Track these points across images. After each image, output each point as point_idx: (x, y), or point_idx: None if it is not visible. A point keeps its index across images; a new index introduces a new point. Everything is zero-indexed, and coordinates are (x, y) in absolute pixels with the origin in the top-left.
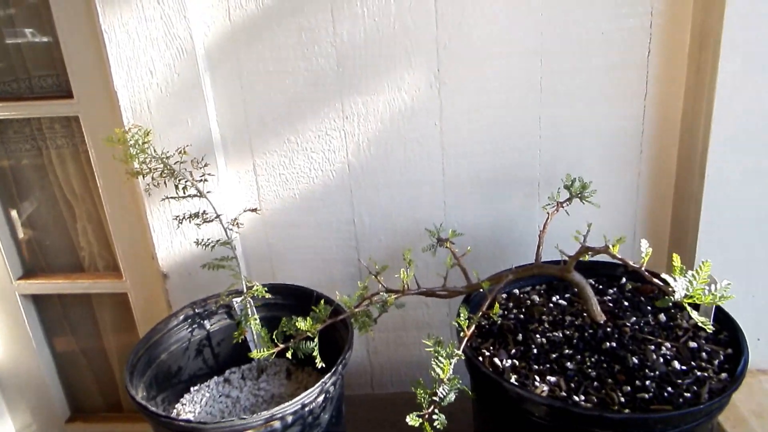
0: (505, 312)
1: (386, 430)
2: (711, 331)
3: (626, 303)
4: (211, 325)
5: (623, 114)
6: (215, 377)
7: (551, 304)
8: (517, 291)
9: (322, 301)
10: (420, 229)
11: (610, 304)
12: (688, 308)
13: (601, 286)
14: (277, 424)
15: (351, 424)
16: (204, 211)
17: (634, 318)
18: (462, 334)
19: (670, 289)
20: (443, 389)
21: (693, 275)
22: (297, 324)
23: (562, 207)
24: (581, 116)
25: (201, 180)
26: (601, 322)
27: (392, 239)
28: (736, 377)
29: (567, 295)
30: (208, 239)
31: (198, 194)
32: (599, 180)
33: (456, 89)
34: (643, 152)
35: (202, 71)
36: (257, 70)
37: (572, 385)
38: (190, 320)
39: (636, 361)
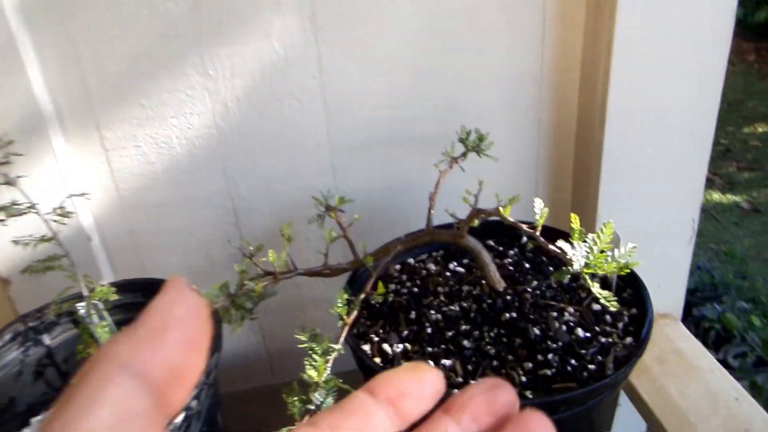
0: (398, 286)
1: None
2: (614, 293)
3: (528, 265)
4: (52, 339)
5: (521, 59)
6: None
7: (448, 273)
8: (412, 260)
9: None
10: (308, 198)
11: (511, 268)
12: (589, 281)
13: (501, 248)
14: None
15: (247, 422)
16: (15, 201)
17: (536, 282)
18: (341, 322)
19: (568, 257)
20: (319, 394)
21: (594, 239)
22: None
23: (457, 163)
24: (478, 62)
25: (4, 163)
26: (501, 289)
27: (278, 211)
28: (641, 341)
29: (465, 261)
30: (31, 235)
31: (5, 182)
32: (499, 132)
33: (335, 35)
34: (543, 99)
35: (16, 28)
36: (91, 22)
37: (469, 367)
38: (21, 338)
39: (538, 332)
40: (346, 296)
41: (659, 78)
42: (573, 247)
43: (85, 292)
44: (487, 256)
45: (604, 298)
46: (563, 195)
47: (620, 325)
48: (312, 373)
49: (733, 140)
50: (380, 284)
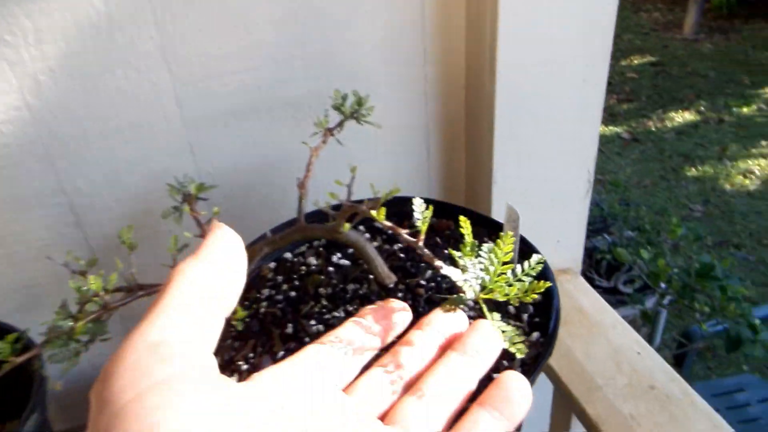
0: (273, 291)
1: None
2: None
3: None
4: None
5: (399, 6)
6: None
7: (331, 268)
8: (289, 254)
9: None
10: (164, 186)
11: (402, 256)
12: (486, 311)
13: (390, 232)
14: None
15: None
16: None
17: (431, 271)
18: None
19: (459, 284)
20: None
21: (491, 254)
22: None
23: (332, 135)
24: (353, 7)
25: None
26: (391, 285)
27: (128, 205)
28: (549, 336)
29: (351, 251)
30: None
31: None
32: (381, 92)
33: None
34: (427, 51)
35: None
36: None
37: None
38: None
39: None
40: None
41: (549, 22)
42: (464, 268)
43: None
44: (371, 250)
45: (511, 341)
46: (457, 159)
47: (525, 317)
48: None
49: (612, 73)
50: (239, 309)
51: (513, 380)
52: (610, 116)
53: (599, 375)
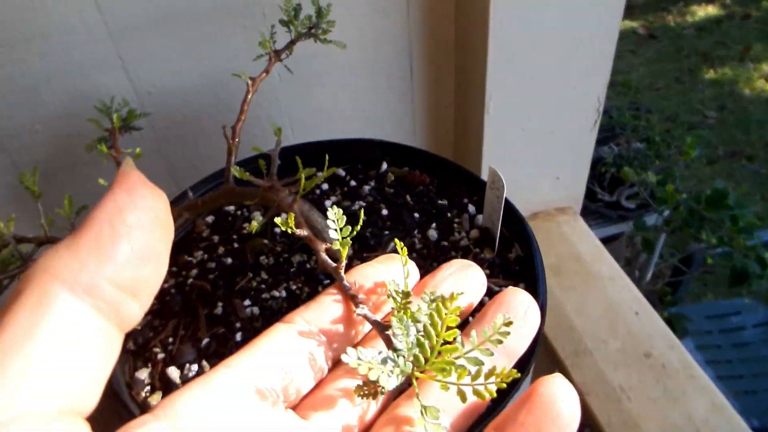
0: (206, 254)
1: None
2: (497, 252)
3: (386, 211)
4: None
5: None
6: None
7: (277, 229)
8: (232, 207)
9: None
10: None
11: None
12: (418, 399)
13: (353, 182)
14: None
15: None
16: None
17: (393, 243)
18: None
19: (376, 380)
20: None
21: (435, 312)
22: None
23: (280, 60)
24: None
25: None
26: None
27: (58, 128)
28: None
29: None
30: None
31: None
32: (345, 6)
33: None
34: None
35: None
36: None
37: None
38: None
39: None
40: None
41: None
42: (392, 335)
43: None
44: (317, 222)
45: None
46: (445, 89)
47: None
48: None
49: None
50: None
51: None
52: (626, 8)
53: (590, 336)
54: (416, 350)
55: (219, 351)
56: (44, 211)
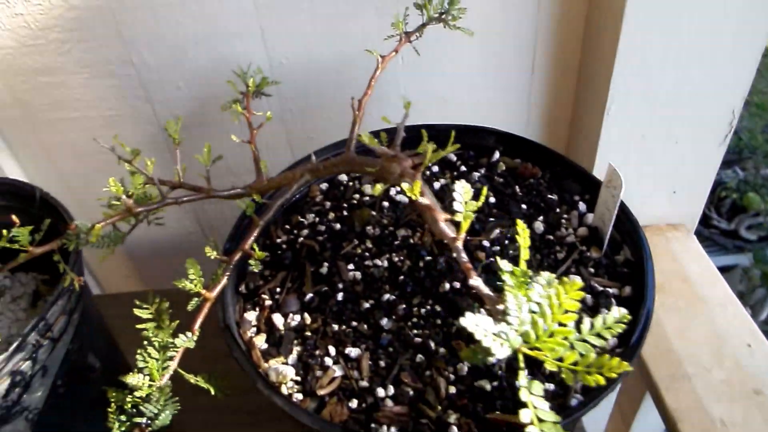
0: (317, 218)
1: None
2: (604, 252)
3: (493, 199)
4: None
5: None
6: None
7: (386, 203)
8: (344, 176)
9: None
10: (231, 69)
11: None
12: (522, 377)
13: (463, 167)
14: None
15: None
16: None
17: (499, 230)
18: (196, 300)
19: (482, 335)
20: (152, 406)
21: (550, 295)
22: None
23: (410, 42)
24: None
25: None
26: (448, 240)
27: (198, 87)
28: (631, 348)
29: None
30: None
31: None
32: None
33: None
34: None
35: None
36: None
37: (381, 362)
38: None
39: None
40: (198, 267)
41: None
42: (503, 312)
43: None
44: (429, 198)
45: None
46: (565, 83)
47: (603, 312)
48: (144, 373)
49: None
50: (257, 249)
51: None
52: None
53: (691, 361)
54: (528, 327)
55: (320, 306)
56: (174, 162)
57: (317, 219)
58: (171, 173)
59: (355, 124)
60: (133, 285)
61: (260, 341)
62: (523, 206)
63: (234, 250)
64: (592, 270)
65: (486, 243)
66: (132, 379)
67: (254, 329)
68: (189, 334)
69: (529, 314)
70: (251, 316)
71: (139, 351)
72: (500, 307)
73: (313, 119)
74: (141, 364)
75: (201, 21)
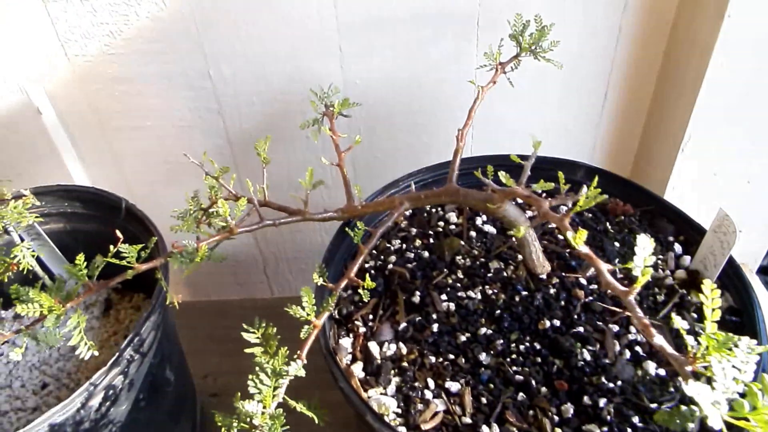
0: (404, 245)
1: None
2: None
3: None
4: None
5: None
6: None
7: (473, 233)
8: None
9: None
10: (307, 89)
11: (561, 237)
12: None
13: (549, 198)
14: None
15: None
16: None
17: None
18: (308, 328)
19: (704, 408)
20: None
21: (747, 356)
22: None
23: (504, 73)
24: None
25: None
26: (544, 275)
27: (270, 102)
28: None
29: None
30: None
31: None
32: (563, 29)
33: None
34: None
35: None
36: None
37: (483, 399)
38: None
39: (588, 356)
40: (313, 297)
41: None
42: (712, 379)
43: None
44: (530, 234)
45: None
46: (635, 112)
47: None
48: (255, 400)
49: None
50: (368, 279)
51: None
52: None
53: None
54: (733, 390)
55: (415, 336)
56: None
57: (403, 245)
58: (234, 186)
59: (456, 155)
60: (183, 294)
61: (357, 370)
62: (616, 244)
63: (339, 278)
64: (695, 315)
65: (583, 281)
66: (248, 405)
67: (349, 356)
68: (299, 361)
69: (731, 379)
70: (346, 342)
71: (251, 377)
72: (688, 368)
73: (379, 140)
74: (253, 390)
75: (283, 38)
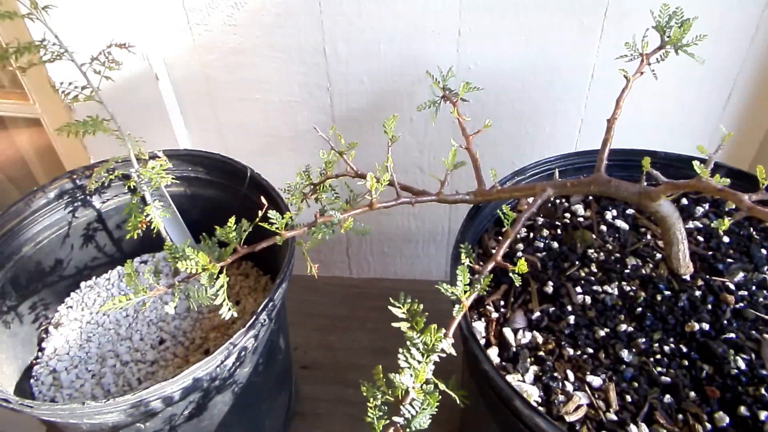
0: (531, 233)
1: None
2: None
3: (727, 239)
4: (104, 203)
5: None
6: (118, 268)
7: (604, 227)
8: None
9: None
10: (420, 70)
11: (700, 239)
12: None
13: (685, 201)
14: (157, 404)
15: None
16: (46, 40)
17: (743, 273)
18: (459, 307)
19: None
20: (410, 407)
21: None
22: (192, 259)
23: (649, 65)
24: None
25: None
26: (686, 276)
27: (380, 82)
28: None
29: (630, 212)
30: (73, 85)
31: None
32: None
33: None
34: None
35: None
36: None
37: (628, 397)
38: (68, 197)
39: (743, 364)
40: (467, 270)
41: None
42: None
43: (134, 161)
44: (680, 231)
45: None
46: (758, 117)
47: None
48: (406, 374)
49: None
50: (521, 262)
51: None
52: None
53: None
54: None
55: (549, 326)
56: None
57: (531, 234)
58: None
59: (605, 144)
60: None
61: (493, 355)
62: (763, 251)
63: (486, 260)
64: None
65: (731, 285)
66: (402, 378)
67: (483, 341)
68: (449, 339)
69: None
70: (480, 326)
71: (401, 350)
72: None
73: (492, 131)
74: (403, 364)
75: (402, 18)
